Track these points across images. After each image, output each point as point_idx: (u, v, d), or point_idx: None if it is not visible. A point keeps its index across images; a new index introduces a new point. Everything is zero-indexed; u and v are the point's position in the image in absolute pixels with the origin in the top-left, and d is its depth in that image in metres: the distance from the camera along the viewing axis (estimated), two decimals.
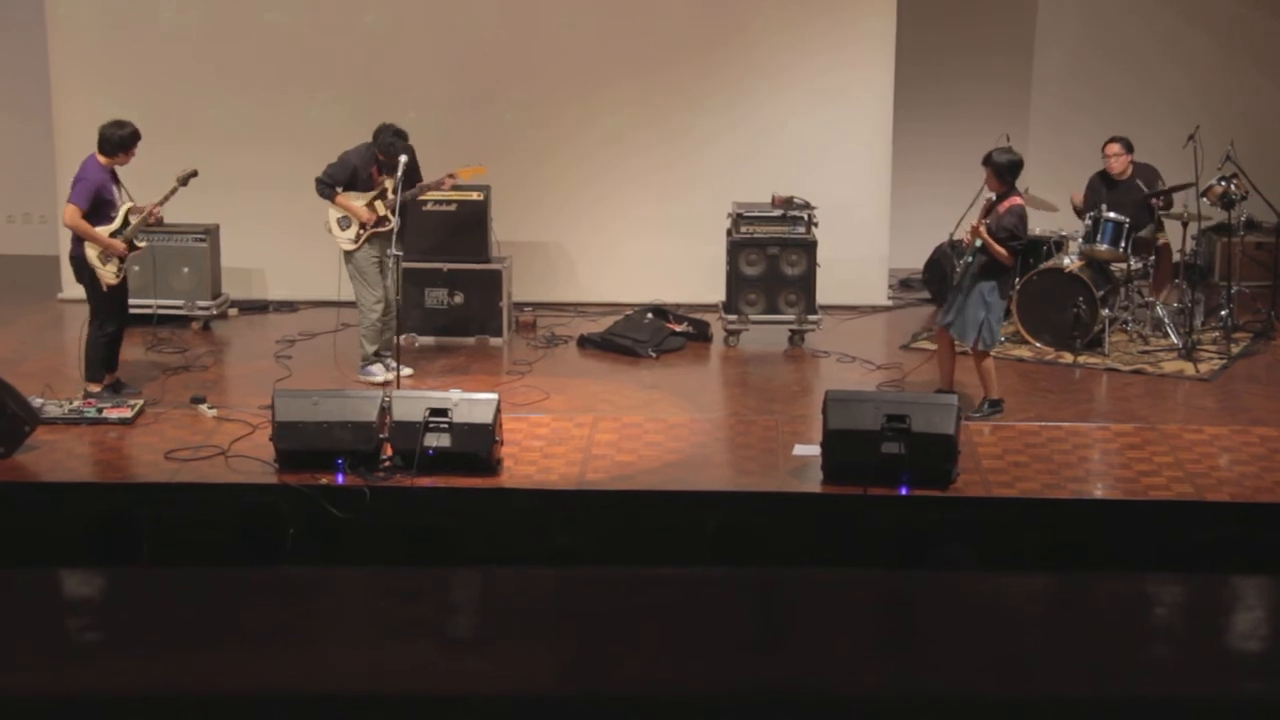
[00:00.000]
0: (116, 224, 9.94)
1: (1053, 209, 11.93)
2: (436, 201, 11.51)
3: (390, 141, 10.39)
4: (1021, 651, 7.69)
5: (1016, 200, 9.84)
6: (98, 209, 9.88)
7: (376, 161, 10.56)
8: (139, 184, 10.22)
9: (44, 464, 9.14)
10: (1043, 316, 11.45)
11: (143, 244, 10.27)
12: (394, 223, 10.38)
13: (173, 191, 10.06)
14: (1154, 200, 11.60)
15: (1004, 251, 9.74)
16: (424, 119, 11.96)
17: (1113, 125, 12.21)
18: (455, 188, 11.10)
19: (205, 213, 12.14)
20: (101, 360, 10.09)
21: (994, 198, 9.86)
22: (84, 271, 9.97)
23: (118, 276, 10.01)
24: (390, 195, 10.44)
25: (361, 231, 10.54)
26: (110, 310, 10.08)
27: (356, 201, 10.53)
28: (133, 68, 12.53)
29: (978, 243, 9.77)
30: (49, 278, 12.71)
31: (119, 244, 9.94)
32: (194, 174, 10.13)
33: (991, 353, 10.02)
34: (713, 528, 8.72)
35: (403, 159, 10.27)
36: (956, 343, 10.10)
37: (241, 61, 12.55)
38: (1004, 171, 9.80)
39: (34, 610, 8.17)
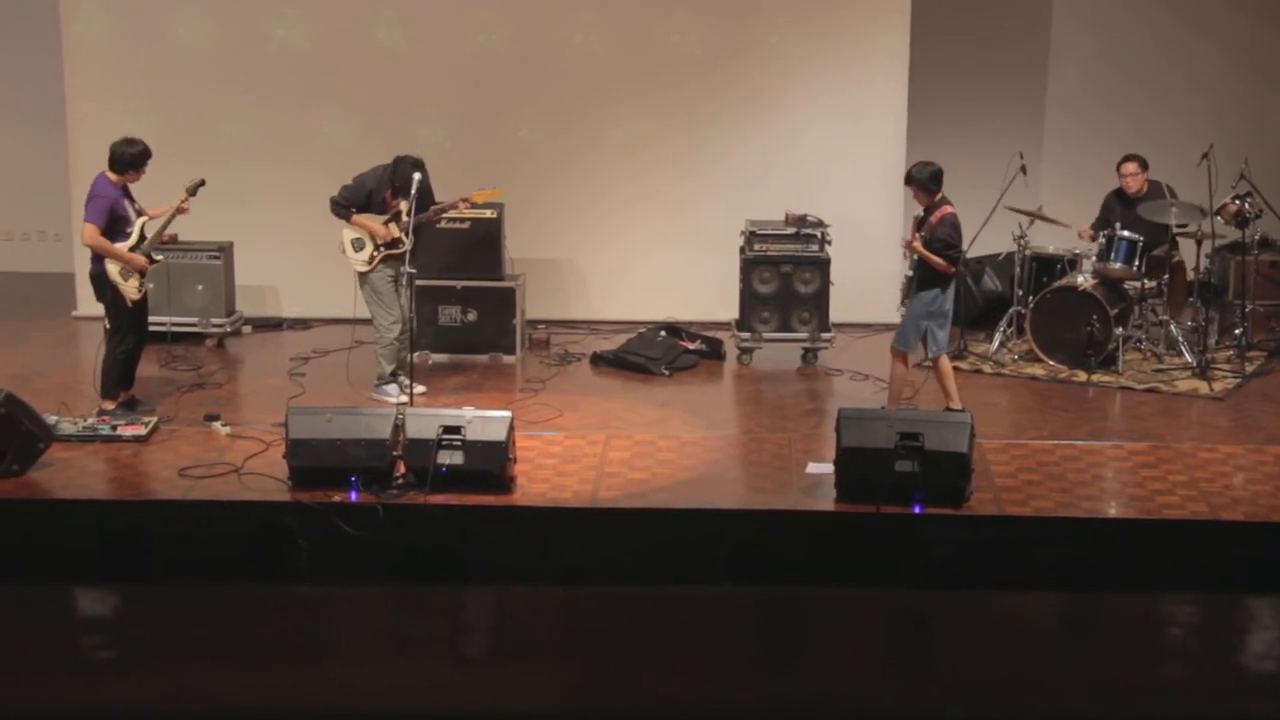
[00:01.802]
0: (134, 239, 9.97)
1: (1065, 226, 11.93)
2: (450, 219, 11.51)
3: (409, 175, 10.39)
4: (1034, 671, 7.66)
5: (947, 209, 9.94)
6: (113, 225, 9.91)
7: (391, 185, 10.58)
8: (153, 200, 10.27)
9: (58, 481, 9.15)
10: (1057, 334, 11.43)
11: (159, 257, 10.32)
12: (408, 244, 10.39)
13: (184, 201, 10.12)
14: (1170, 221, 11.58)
15: (942, 261, 9.82)
16: (436, 135, 11.99)
17: (1127, 143, 12.20)
18: (470, 208, 11.13)
19: (219, 229, 12.18)
20: (118, 377, 10.11)
21: (923, 212, 9.98)
22: (105, 289, 9.99)
23: (140, 291, 10.05)
24: (405, 218, 10.45)
25: (375, 253, 10.55)
26: (130, 327, 10.11)
27: (374, 222, 10.55)
28: (148, 85, 12.56)
29: (914, 257, 9.84)
30: (63, 295, 12.73)
31: (139, 258, 9.98)
32: (202, 183, 10.20)
33: (942, 358, 10.09)
34: (729, 547, 8.70)
35: (416, 176, 10.29)
36: (909, 353, 10.14)
37: (256, 78, 12.58)
38: (927, 183, 9.94)
39: (46, 627, 8.17)
